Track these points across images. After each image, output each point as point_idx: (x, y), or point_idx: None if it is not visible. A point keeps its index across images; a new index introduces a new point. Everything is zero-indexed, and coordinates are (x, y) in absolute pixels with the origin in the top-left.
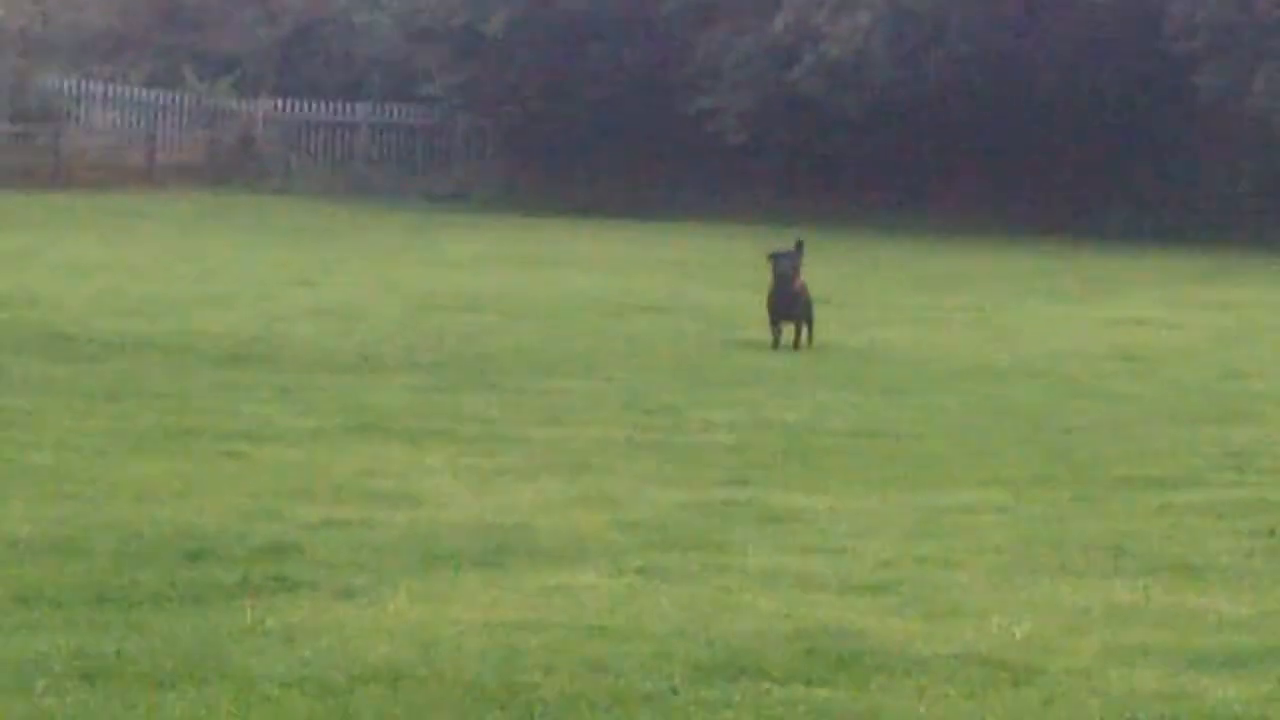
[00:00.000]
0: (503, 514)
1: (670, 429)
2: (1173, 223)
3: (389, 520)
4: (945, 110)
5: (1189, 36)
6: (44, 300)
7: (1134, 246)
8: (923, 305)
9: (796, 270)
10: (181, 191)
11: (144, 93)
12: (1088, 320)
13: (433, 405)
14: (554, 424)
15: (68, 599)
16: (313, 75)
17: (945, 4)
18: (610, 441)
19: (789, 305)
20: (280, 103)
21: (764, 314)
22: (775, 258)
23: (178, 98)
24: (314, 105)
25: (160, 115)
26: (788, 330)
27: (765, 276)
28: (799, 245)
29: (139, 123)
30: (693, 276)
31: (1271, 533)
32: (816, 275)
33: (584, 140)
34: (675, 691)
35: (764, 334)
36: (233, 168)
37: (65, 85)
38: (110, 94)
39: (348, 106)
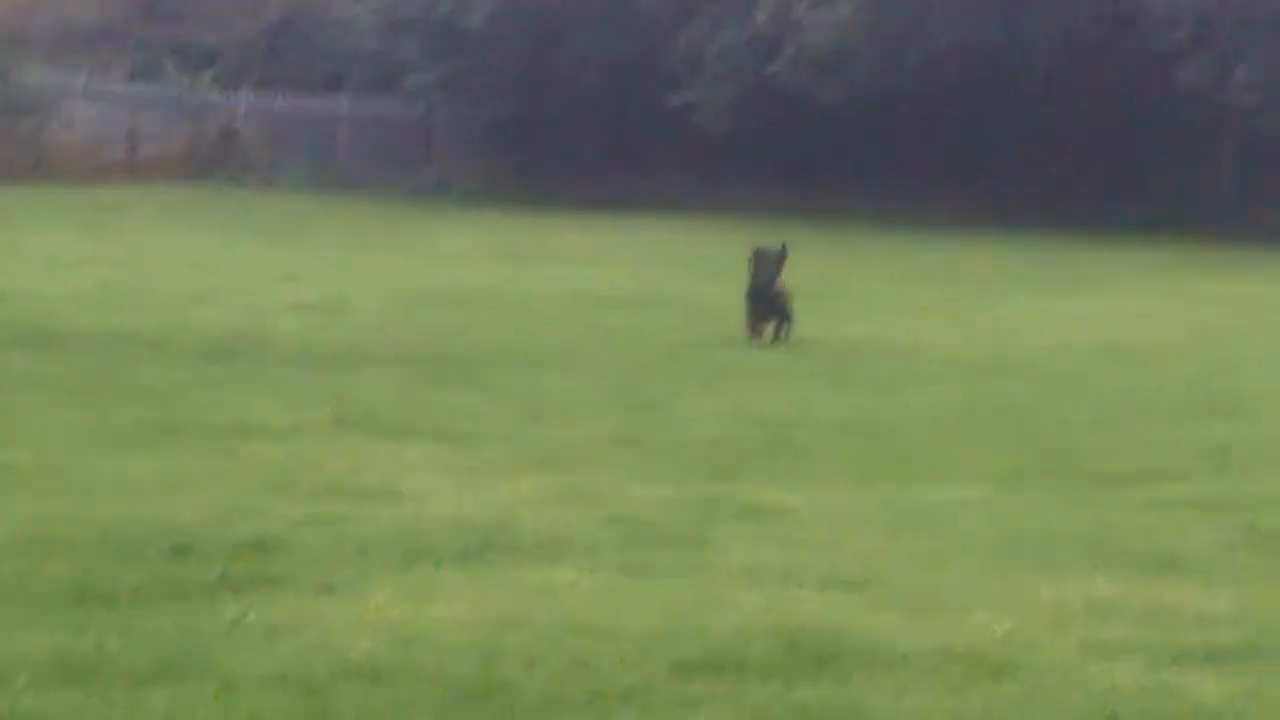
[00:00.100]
0: (485, 510)
1: (653, 424)
2: (1154, 216)
3: (372, 516)
4: (926, 102)
5: (1170, 30)
6: (25, 295)
7: (1116, 240)
8: (904, 299)
9: (776, 275)
10: (163, 185)
11: (125, 86)
12: (1071, 314)
13: (416, 400)
14: (537, 419)
15: (49, 596)
16: (294, 68)
17: None
18: (593, 437)
19: (766, 308)
20: (261, 96)
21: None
22: (757, 259)
23: (159, 91)
24: (295, 98)
25: (142, 109)
26: (767, 329)
27: (747, 270)
28: (784, 248)
29: (120, 116)
30: (675, 270)
31: (1253, 527)
32: (799, 269)
33: (565, 133)
34: (656, 688)
35: (749, 328)
36: (214, 161)
37: (47, 79)
38: (92, 88)
39: (329, 100)
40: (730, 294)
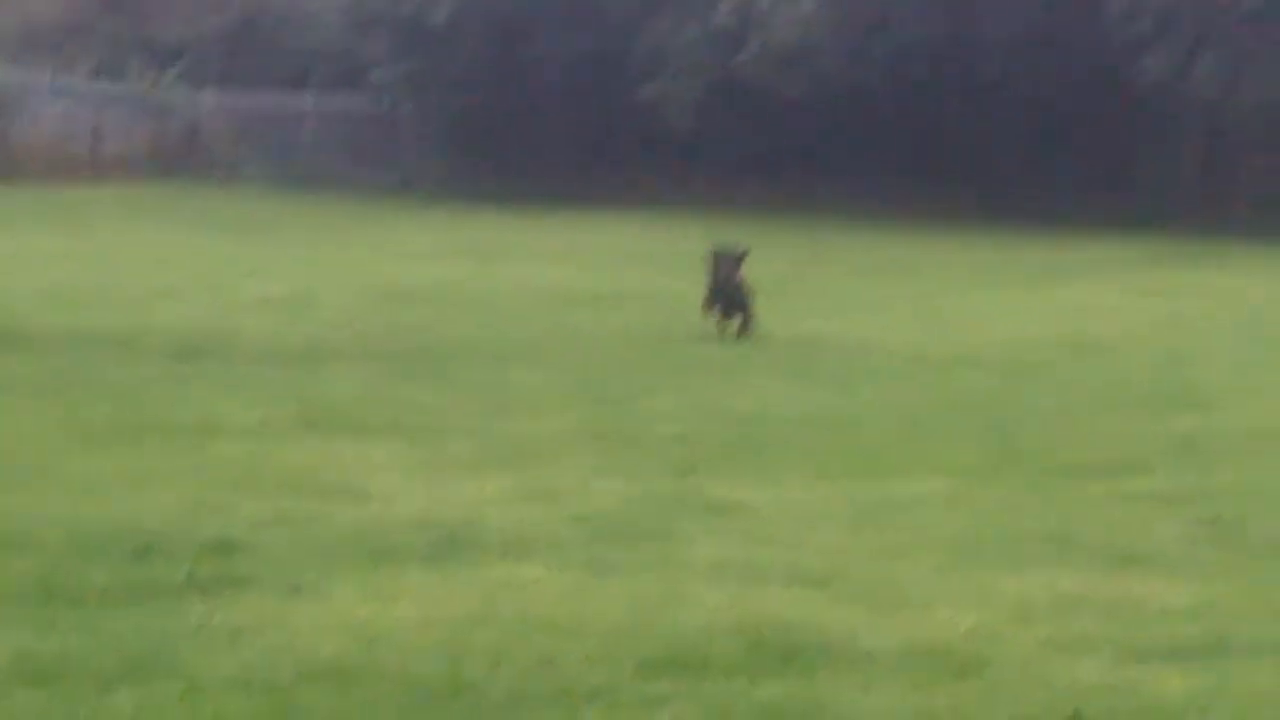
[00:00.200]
0: (450, 508)
1: (618, 419)
2: (1116, 209)
3: (336, 515)
4: (891, 97)
5: (1131, 22)
6: None
7: (1078, 233)
8: (869, 294)
9: (735, 273)
10: (128, 183)
11: (90, 84)
12: (1033, 308)
13: (382, 396)
14: (502, 415)
15: (14, 596)
16: (259, 65)
17: None
18: (558, 432)
19: (727, 304)
20: (226, 93)
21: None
22: (715, 260)
23: (124, 89)
24: (260, 95)
25: (106, 106)
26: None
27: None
28: (743, 254)
29: (85, 114)
30: (640, 266)
31: (1217, 520)
32: (764, 265)
33: (531, 129)
34: (621, 686)
35: (711, 324)
36: (179, 159)
37: (10, 77)
38: (56, 85)
39: (294, 96)
40: (696, 290)
